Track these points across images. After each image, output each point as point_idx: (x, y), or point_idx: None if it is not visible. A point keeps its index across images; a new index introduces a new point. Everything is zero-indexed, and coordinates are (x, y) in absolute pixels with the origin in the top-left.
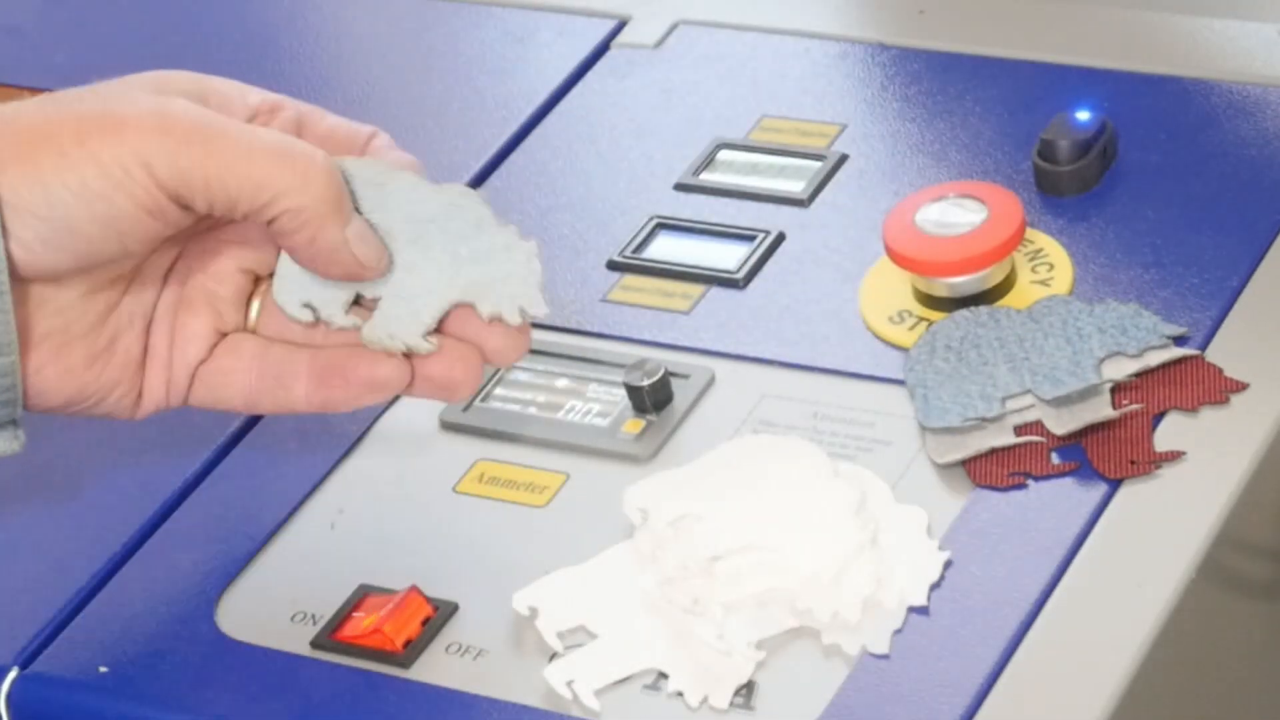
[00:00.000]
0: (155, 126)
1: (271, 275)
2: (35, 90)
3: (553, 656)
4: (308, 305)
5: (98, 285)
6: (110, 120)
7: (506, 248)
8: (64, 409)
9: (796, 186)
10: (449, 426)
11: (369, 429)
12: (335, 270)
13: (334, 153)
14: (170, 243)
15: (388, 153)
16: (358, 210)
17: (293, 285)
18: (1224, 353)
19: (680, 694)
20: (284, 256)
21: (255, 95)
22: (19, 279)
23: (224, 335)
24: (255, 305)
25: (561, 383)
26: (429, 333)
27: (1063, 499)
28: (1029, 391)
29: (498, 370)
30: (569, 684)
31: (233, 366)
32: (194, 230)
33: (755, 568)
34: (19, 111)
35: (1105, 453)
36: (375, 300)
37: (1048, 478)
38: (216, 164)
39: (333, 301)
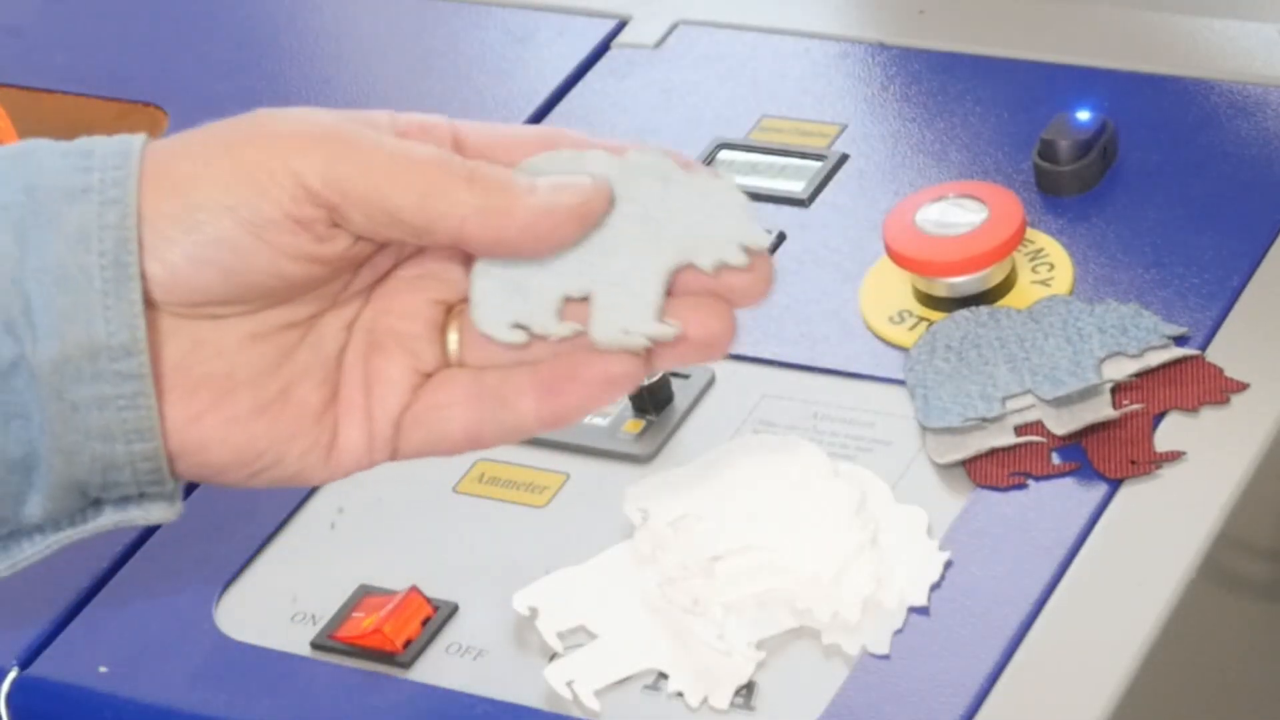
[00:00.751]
0: (305, 134)
1: (461, 301)
2: (35, 90)
3: (553, 656)
4: (517, 325)
5: (264, 329)
6: (257, 131)
7: (702, 192)
8: (237, 471)
9: (796, 186)
10: None
11: None
12: (565, 233)
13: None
14: (352, 295)
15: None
16: None
17: (493, 308)
18: (1224, 353)
19: (680, 694)
20: (475, 281)
21: (404, 117)
22: (168, 309)
23: (425, 375)
24: (453, 337)
25: None
26: (661, 313)
27: (1063, 499)
28: (1029, 391)
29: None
30: (569, 684)
31: (447, 400)
32: (365, 279)
33: (755, 568)
34: (165, 139)
35: (1105, 453)
36: (585, 297)
37: (1048, 478)
38: (371, 174)
39: (541, 311)
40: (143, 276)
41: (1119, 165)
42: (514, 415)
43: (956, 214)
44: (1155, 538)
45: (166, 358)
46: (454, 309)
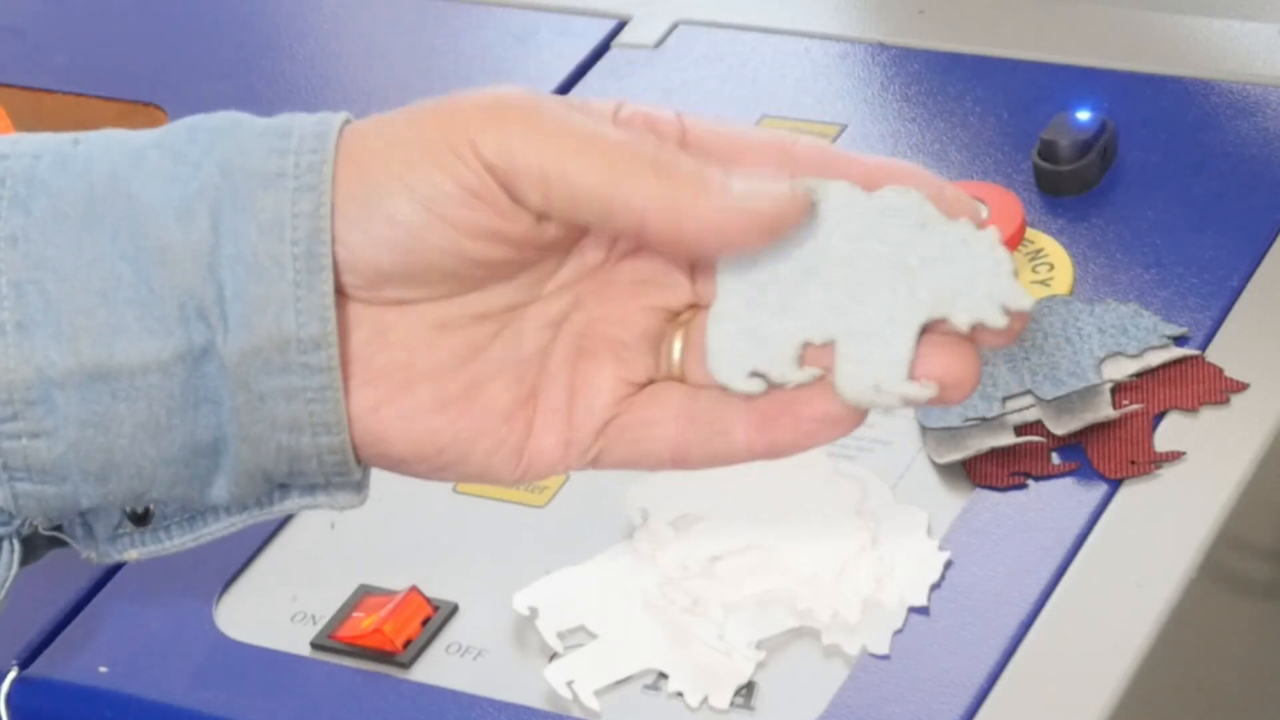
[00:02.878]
0: (491, 106)
1: (687, 309)
2: (35, 90)
3: (553, 656)
4: (755, 374)
5: (453, 319)
6: (446, 104)
7: (963, 242)
8: (419, 465)
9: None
10: None
11: None
12: (751, 236)
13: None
14: (558, 290)
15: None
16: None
17: (732, 357)
18: (1224, 353)
19: (680, 694)
20: (711, 326)
21: (630, 107)
22: (354, 294)
23: (634, 385)
24: (677, 346)
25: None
26: (912, 368)
27: (1063, 499)
28: (1029, 391)
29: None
30: (569, 684)
31: (658, 417)
32: (571, 273)
33: (755, 568)
34: (367, 118)
35: (1105, 453)
36: (827, 343)
37: (1048, 478)
38: (553, 150)
39: (781, 359)
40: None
41: (1119, 165)
42: (725, 443)
43: None
44: (1155, 538)
45: (349, 345)
46: (679, 317)
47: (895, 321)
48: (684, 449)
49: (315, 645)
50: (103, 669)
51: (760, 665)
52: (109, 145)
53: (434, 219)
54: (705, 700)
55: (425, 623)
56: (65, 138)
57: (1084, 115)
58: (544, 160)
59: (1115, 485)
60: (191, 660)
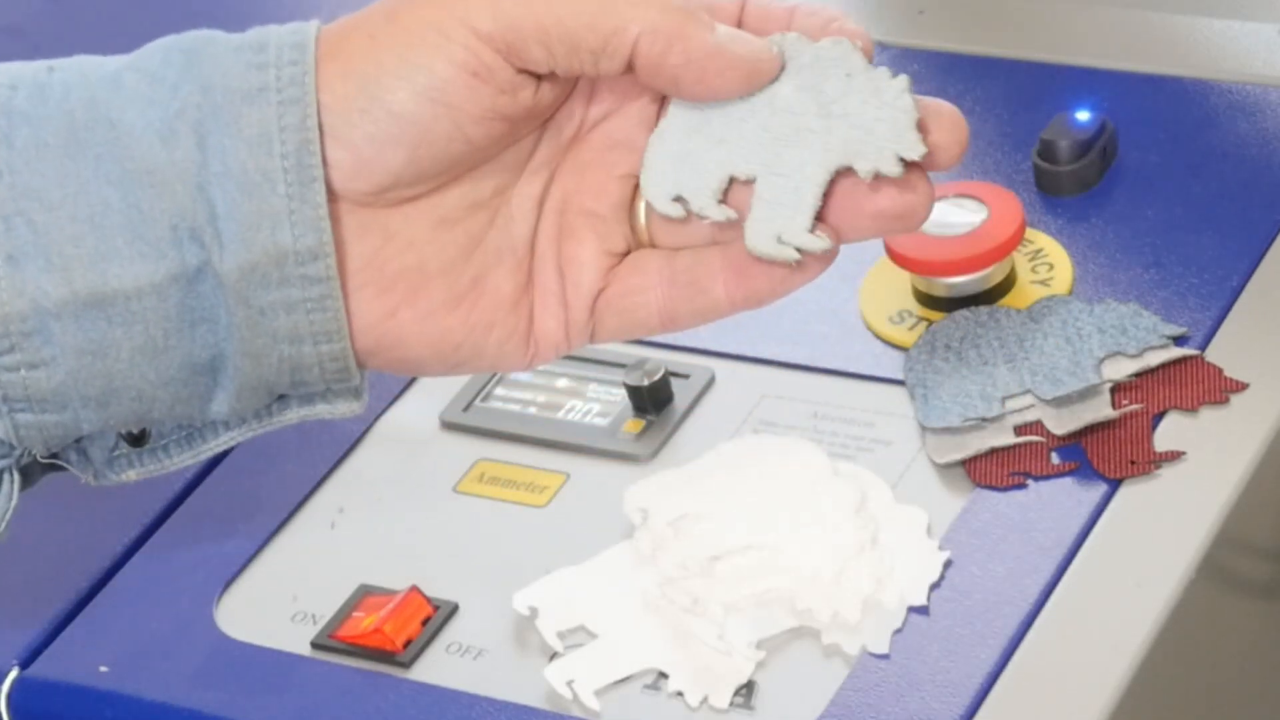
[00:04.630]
0: None
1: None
2: None
3: (553, 656)
4: (678, 198)
5: (452, 213)
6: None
7: (876, 91)
8: (436, 364)
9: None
10: (449, 426)
11: (369, 429)
12: (728, 80)
13: None
14: (540, 166)
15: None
16: None
17: (660, 176)
18: (1224, 353)
19: (680, 694)
20: (651, 147)
21: None
22: (356, 200)
23: (615, 257)
24: (642, 210)
25: (561, 383)
26: (816, 219)
27: (1063, 499)
28: (1029, 391)
29: (496, 372)
30: (569, 684)
31: (642, 285)
32: (550, 147)
33: (755, 568)
34: (345, 30)
35: (1105, 453)
36: (750, 180)
37: (1048, 478)
38: (547, 4)
39: (704, 190)
40: (325, 165)
41: (1118, 165)
42: (707, 299)
43: (956, 214)
44: (1155, 538)
45: (358, 255)
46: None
47: (808, 166)
48: (671, 311)
49: (315, 645)
50: (103, 669)
51: (760, 665)
52: (84, 72)
53: (439, 110)
54: (705, 700)
55: (425, 623)
56: (39, 65)
57: (1084, 115)
58: (538, 14)
59: (1115, 485)
60: (191, 660)
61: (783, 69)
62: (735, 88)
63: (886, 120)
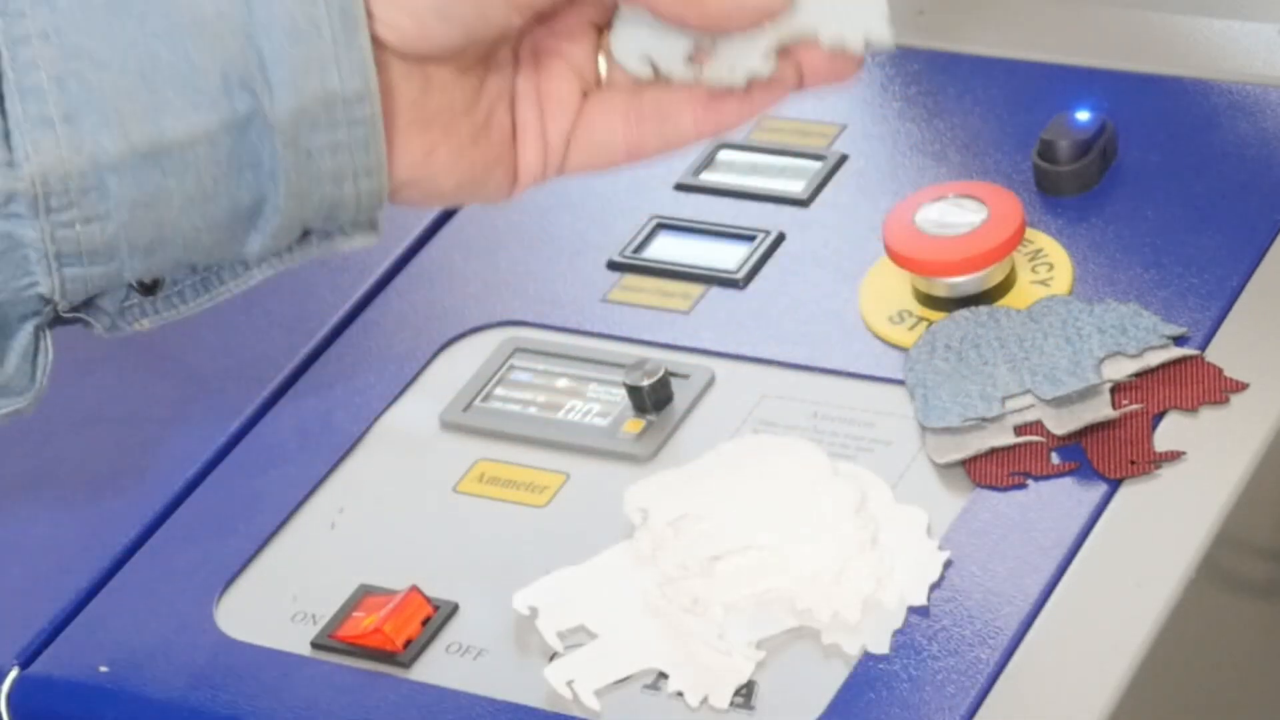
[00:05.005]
0: None
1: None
2: None
3: (553, 656)
4: (646, 59)
5: (467, 63)
6: None
7: None
8: (454, 194)
9: (796, 186)
10: (449, 426)
11: (369, 429)
12: (743, 23)
13: None
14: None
15: None
16: None
17: (630, 38)
18: (1224, 353)
19: (680, 694)
20: (621, 10)
21: None
22: (401, 55)
23: (585, 95)
24: (602, 61)
25: (561, 383)
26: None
27: (1063, 499)
28: (1029, 391)
29: (497, 372)
30: (569, 684)
31: (608, 122)
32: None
33: (755, 568)
34: None
35: (1105, 453)
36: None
37: (1047, 478)
38: None
39: (671, 53)
40: (381, 23)
41: (1118, 165)
42: (674, 129)
43: (956, 214)
44: (1155, 538)
45: (402, 96)
46: (604, 36)
47: (766, 32)
48: (638, 143)
49: (315, 645)
50: (103, 668)
51: (760, 665)
52: None
53: (482, 13)
54: (705, 700)
55: (425, 623)
56: None
57: (1084, 115)
58: None
59: (1115, 485)
60: (191, 660)
61: None
62: (746, 27)
63: (863, 6)
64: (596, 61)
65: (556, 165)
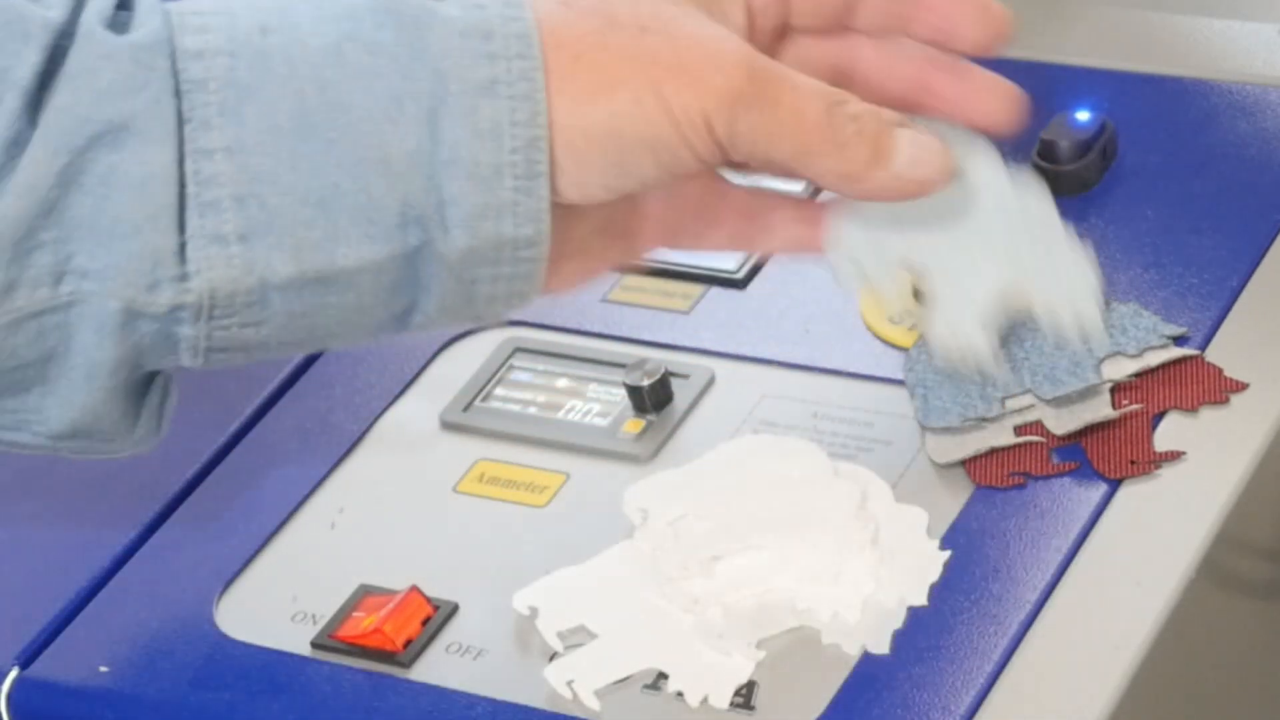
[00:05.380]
0: (724, 83)
1: None
2: None
3: (553, 656)
4: (859, 267)
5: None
6: (682, 64)
7: (1070, 249)
8: (564, 293)
9: (796, 187)
10: (449, 426)
11: (369, 429)
12: (900, 196)
13: (882, 93)
14: None
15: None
16: None
17: (846, 255)
18: (1224, 353)
19: (680, 694)
20: (838, 218)
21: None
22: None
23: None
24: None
25: (561, 383)
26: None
27: (1063, 499)
28: (1029, 391)
29: (497, 371)
30: (569, 684)
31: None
32: None
33: (755, 568)
34: (566, 22)
35: (1105, 453)
36: (923, 271)
37: (1047, 478)
38: (769, 132)
39: (882, 269)
40: (555, 168)
41: (1118, 165)
42: (765, 236)
43: None
44: (1155, 538)
45: (559, 231)
46: None
47: (984, 277)
48: (732, 238)
49: (315, 645)
50: (103, 669)
51: (760, 665)
52: (300, 37)
53: (665, 177)
54: (705, 700)
55: (425, 623)
56: (252, 25)
57: (1083, 115)
58: (757, 139)
59: (1115, 485)
60: (191, 660)
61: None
62: (908, 198)
63: (1077, 282)
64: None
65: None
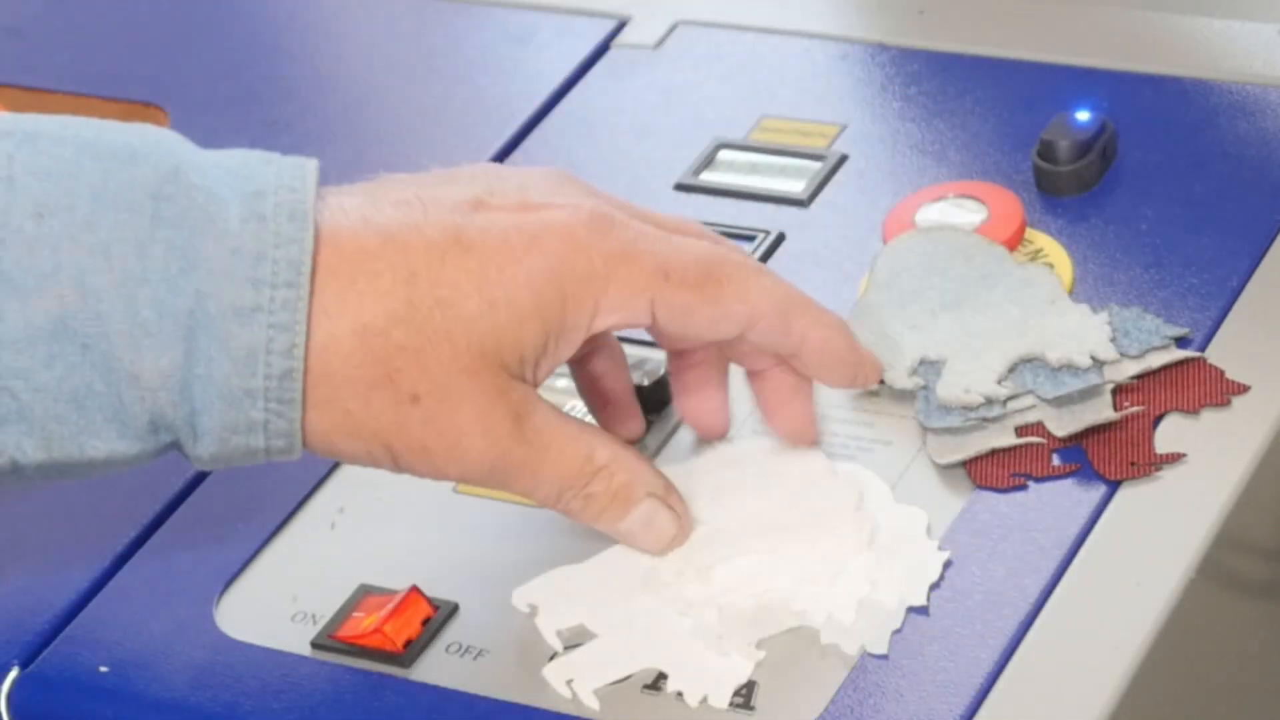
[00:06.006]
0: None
1: None
2: (36, 90)
3: (553, 656)
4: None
5: None
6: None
7: (1079, 317)
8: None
9: (796, 186)
10: None
11: None
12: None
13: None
14: None
15: None
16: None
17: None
18: (1224, 353)
19: (680, 694)
20: (853, 318)
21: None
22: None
23: None
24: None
25: (562, 383)
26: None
27: (1063, 500)
28: (1030, 392)
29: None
30: (569, 683)
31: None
32: None
33: (754, 568)
34: (336, 239)
35: (1106, 454)
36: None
37: (1048, 479)
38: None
39: (896, 365)
40: (304, 425)
41: (1118, 165)
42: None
43: (956, 214)
44: (1155, 538)
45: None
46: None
47: (995, 349)
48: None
49: (315, 645)
50: (103, 669)
51: (760, 665)
52: (72, 230)
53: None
54: (705, 700)
55: (425, 623)
56: (27, 207)
57: (1084, 115)
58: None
59: (1115, 486)
60: (191, 660)
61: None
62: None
63: (1086, 337)
64: None
65: None
